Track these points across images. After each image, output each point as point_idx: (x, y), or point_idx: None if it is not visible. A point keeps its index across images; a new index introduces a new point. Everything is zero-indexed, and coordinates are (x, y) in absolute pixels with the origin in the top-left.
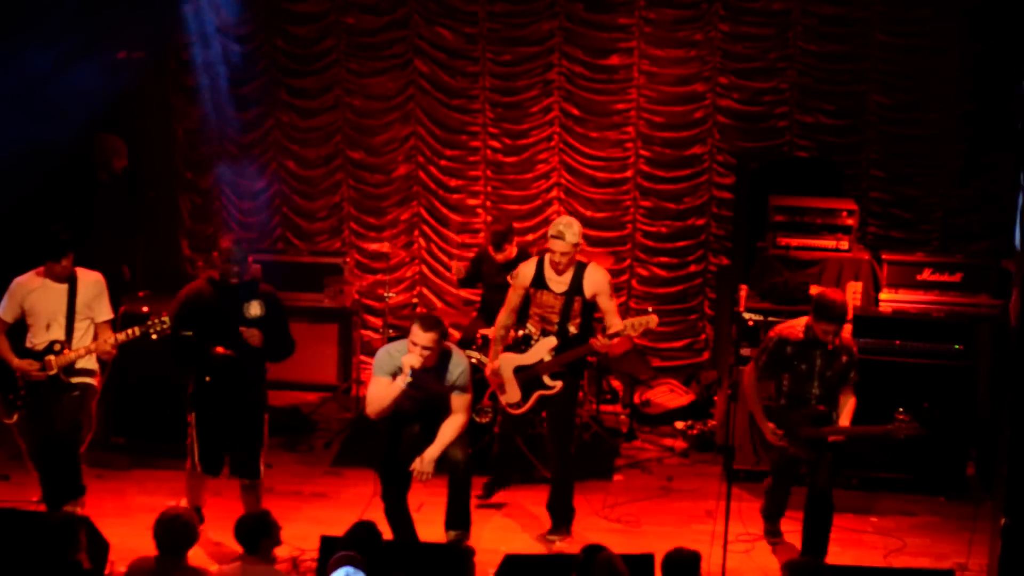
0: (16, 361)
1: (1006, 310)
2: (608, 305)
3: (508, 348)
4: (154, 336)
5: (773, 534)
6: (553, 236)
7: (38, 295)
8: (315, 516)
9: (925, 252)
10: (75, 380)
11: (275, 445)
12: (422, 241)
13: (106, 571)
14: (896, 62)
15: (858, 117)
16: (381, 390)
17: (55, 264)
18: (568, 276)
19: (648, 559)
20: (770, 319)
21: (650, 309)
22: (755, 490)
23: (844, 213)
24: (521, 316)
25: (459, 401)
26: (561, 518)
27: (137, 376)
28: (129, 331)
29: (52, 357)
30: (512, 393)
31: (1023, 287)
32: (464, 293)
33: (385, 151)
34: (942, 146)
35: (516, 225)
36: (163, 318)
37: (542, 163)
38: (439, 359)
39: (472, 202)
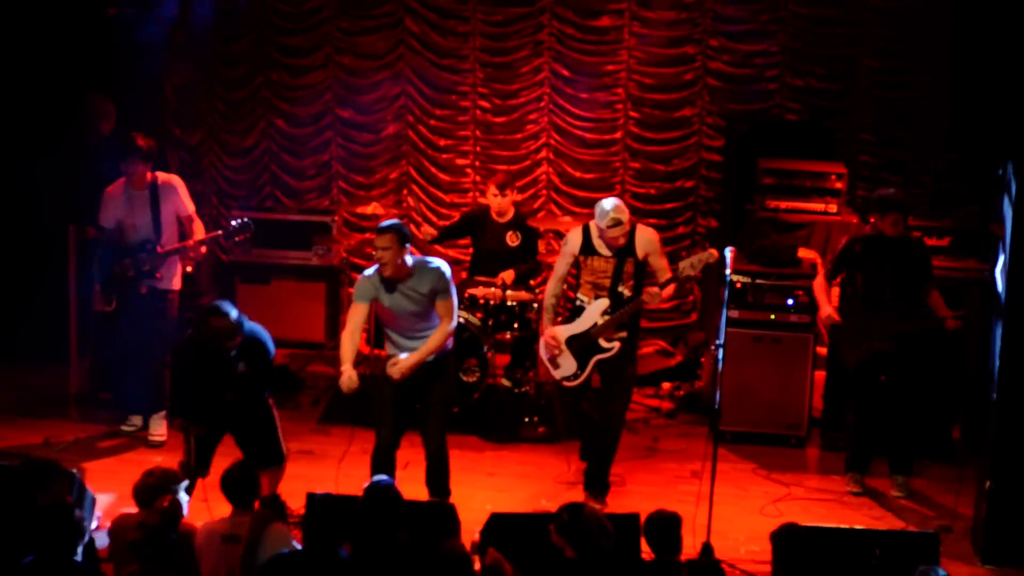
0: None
1: (993, 274)
2: (659, 263)
3: (563, 321)
4: (237, 239)
5: (857, 483)
6: (611, 226)
7: (124, 202)
8: (301, 473)
9: (914, 216)
10: (160, 284)
11: None
12: (411, 200)
13: (93, 526)
14: (888, 26)
15: (849, 81)
16: (348, 340)
17: (126, 166)
18: None
19: (633, 519)
20: (758, 281)
21: (707, 245)
22: (741, 451)
23: (833, 176)
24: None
25: (442, 307)
26: (604, 481)
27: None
28: (214, 234)
29: (144, 255)
30: (567, 366)
31: (1009, 253)
32: (453, 252)
33: (375, 110)
34: (932, 110)
35: None
36: (244, 220)
37: (532, 124)
38: (414, 269)
39: (461, 162)
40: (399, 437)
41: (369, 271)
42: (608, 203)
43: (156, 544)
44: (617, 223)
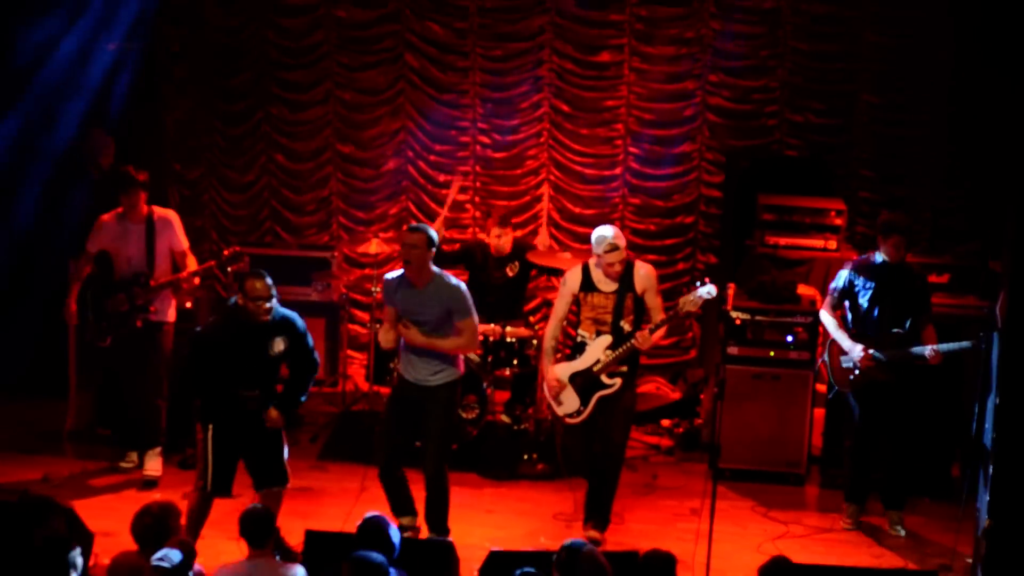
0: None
1: (993, 311)
2: (654, 302)
3: (565, 357)
4: (229, 270)
5: (853, 518)
6: (608, 251)
7: (118, 233)
8: (300, 510)
9: (913, 252)
10: (155, 316)
11: None
12: None
13: (90, 563)
14: (887, 62)
15: (848, 116)
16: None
17: (126, 198)
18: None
19: (632, 556)
20: (757, 318)
21: (707, 280)
22: (740, 488)
23: (833, 213)
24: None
25: (461, 325)
26: (605, 514)
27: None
28: (207, 264)
29: (139, 289)
30: (570, 403)
31: (1010, 289)
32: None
33: (375, 145)
34: (932, 146)
35: None
36: (236, 250)
37: (531, 159)
38: (433, 279)
39: (461, 197)
40: (399, 458)
41: (392, 273)
42: (605, 230)
43: None
44: (615, 248)
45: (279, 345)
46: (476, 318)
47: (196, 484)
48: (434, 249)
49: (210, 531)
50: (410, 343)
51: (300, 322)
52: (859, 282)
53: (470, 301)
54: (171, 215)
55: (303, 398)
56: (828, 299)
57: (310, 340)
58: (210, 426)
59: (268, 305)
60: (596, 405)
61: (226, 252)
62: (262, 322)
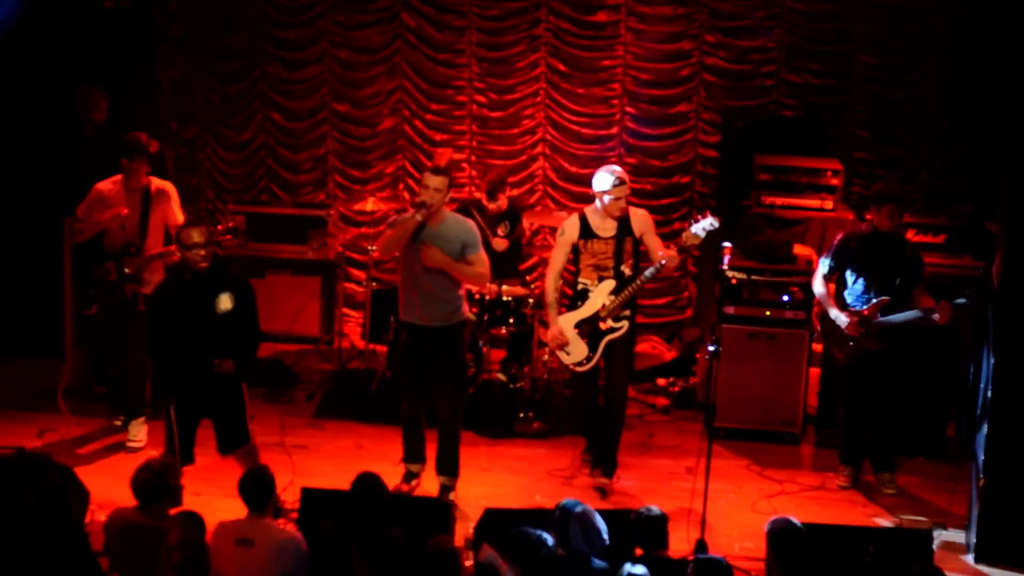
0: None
1: (989, 272)
2: (653, 242)
3: (567, 307)
4: (228, 238)
5: (848, 476)
6: (617, 186)
7: (113, 200)
8: (296, 468)
9: (909, 213)
10: (144, 288)
11: (256, 396)
12: (407, 195)
13: (86, 520)
14: (883, 23)
15: (844, 77)
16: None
17: (128, 163)
18: (614, 220)
19: (626, 515)
20: (753, 277)
21: (708, 212)
22: (735, 447)
23: (829, 173)
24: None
25: (472, 258)
26: (612, 460)
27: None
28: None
29: (127, 259)
30: (578, 351)
31: (1006, 250)
32: None
33: (371, 104)
34: (928, 107)
35: None
36: (231, 225)
37: (527, 119)
38: (446, 218)
39: (457, 156)
40: (421, 405)
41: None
42: (611, 167)
43: (198, 561)
44: (623, 182)
45: (226, 302)
46: (486, 256)
47: (165, 456)
48: (450, 192)
49: (206, 488)
50: (431, 263)
51: (252, 289)
52: (849, 254)
53: (480, 238)
54: (168, 187)
55: (249, 352)
56: (819, 271)
57: (256, 312)
58: (171, 399)
59: (204, 252)
60: (604, 350)
61: (219, 227)
62: (202, 272)
